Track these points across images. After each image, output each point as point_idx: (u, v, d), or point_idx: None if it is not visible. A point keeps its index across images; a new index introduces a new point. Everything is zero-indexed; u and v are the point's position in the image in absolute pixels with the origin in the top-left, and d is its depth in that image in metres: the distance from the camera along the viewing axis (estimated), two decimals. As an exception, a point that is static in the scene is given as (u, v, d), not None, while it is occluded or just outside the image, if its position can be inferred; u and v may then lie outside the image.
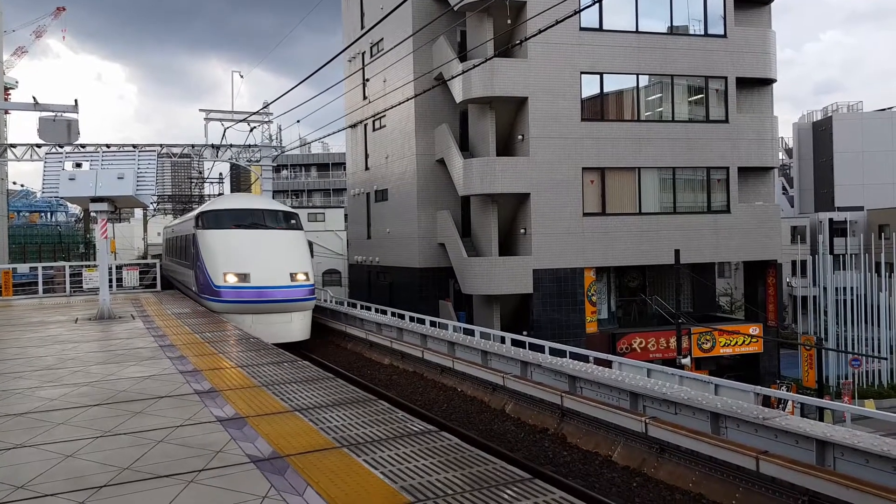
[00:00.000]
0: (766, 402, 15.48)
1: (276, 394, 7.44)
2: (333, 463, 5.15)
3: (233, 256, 17.78)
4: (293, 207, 28.00)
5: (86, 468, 5.17)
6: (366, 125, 30.11)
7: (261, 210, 20.00)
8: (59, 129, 22.13)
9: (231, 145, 29.33)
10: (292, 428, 6.11)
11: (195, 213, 21.32)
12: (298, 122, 61.41)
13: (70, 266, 24.45)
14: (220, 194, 48.85)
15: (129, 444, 5.72)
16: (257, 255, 17.97)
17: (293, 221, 20.02)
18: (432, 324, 18.40)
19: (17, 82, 70.33)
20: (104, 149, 23.33)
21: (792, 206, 59.06)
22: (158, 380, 8.34)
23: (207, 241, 18.58)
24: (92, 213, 17.33)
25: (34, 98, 22.20)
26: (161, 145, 28.28)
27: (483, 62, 19.38)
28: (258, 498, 4.52)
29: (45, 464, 5.27)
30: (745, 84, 25.17)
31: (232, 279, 17.27)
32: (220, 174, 56.55)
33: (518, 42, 20.12)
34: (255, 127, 29.21)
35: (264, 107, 29.62)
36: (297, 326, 17.79)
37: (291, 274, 17.74)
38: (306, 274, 18.13)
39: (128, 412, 6.80)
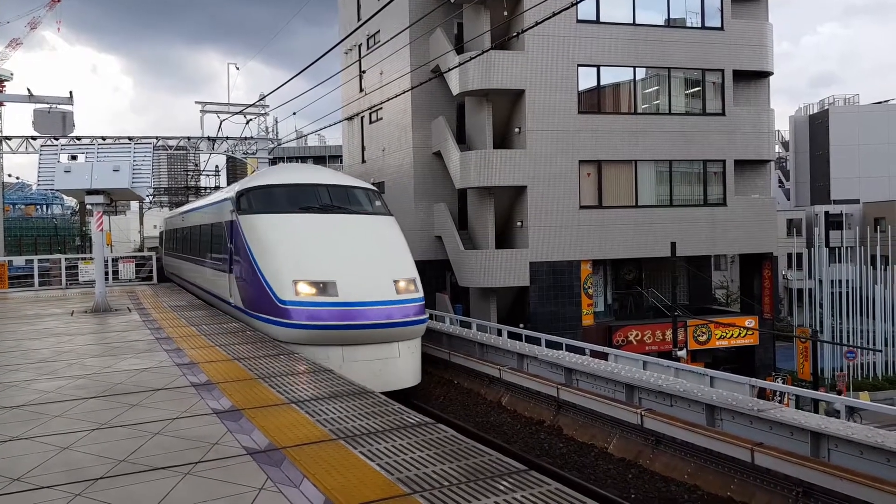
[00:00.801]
0: (762, 394, 15.56)
1: (272, 386, 7.45)
2: (330, 455, 5.16)
3: (306, 256, 12.11)
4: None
5: (82, 460, 5.17)
6: (362, 118, 30.04)
7: (334, 186, 14.20)
8: (54, 122, 21.99)
9: (227, 138, 29.29)
10: (289, 420, 6.12)
11: (231, 190, 15.61)
12: (294, 114, 61.52)
13: (66, 259, 24.39)
14: (216, 187, 48.37)
15: (125, 437, 5.73)
16: (343, 253, 12.26)
17: (378, 203, 14.53)
18: (429, 317, 18.40)
19: (11, 74, 70.05)
20: (100, 141, 23.29)
21: (788, 199, 59.16)
22: (155, 372, 8.34)
23: (260, 232, 12.82)
24: (88, 206, 17.15)
25: (29, 90, 22.08)
26: (157, 138, 28.24)
27: (480, 54, 19.34)
28: (255, 490, 4.53)
29: (41, 456, 5.28)
30: (742, 77, 25.16)
31: (306, 291, 11.54)
32: (217, 167, 56.41)
33: (515, 34, 20.09)
34: (251, 119, 29.17)
35: (260, 99, 29.56)
36: (407, 363, 11.93)
37: (394, 282, 12.04)
38: (414, 282, 12.40)
39: (124, 405, 6.80)
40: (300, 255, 12.15)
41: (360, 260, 12.26)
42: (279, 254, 12.27)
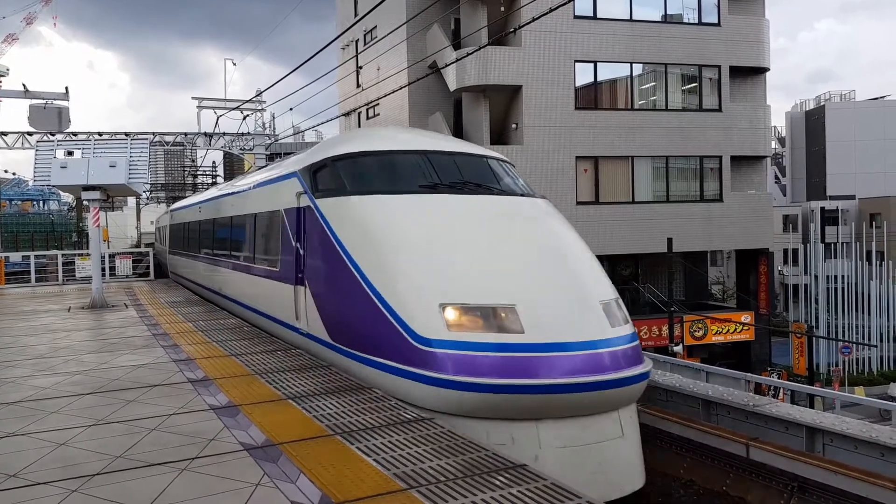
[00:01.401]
0: (758, 389, 15.62)
1: (269, 382, 7.45)
2: (327, 450, 5.17)
3: (453, 263, 7.54)
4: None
5: (79, 456, 5.18)
6: (359, 113, 30.00)
7: (461, 155, 9.61)
8: (50, 117, 21.96)
9: (224, 133, 29.23)
10: (285, 416, 6.13)
11: (291, 164, 10.86)
12: (291, 109, 61.15)
13: (62, 255, 24.34)
14: (214, 183, 48.07)
15: (121, 433, 5.73)
16: (508, 258, 7.63)
17: (522, 182, 9.82)
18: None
19: (7, 70, 69.76)
20: (96, 137, 23.21)
21: (784, 195, 59.27)
22: (151, 368, 8.34)
23: (365, 224, 8.27)
24: (84, 202, 17.07)
25: (24, 86, 22.05)
26: (153, 133, 28.17)
27: (477, 50, 19.30)
28: (251, 485, 4.54)
29: (37, 452, 5.28)
30: (739, 73, 25.19)
31: (465, 323, 6.96)
32: (214, 162, 56.34)
33: (512, 30, 20.05)
34: (248, 115, 29.10)
35: (257, 95, 29.51)
36: (632, 447, 7.12)
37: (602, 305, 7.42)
38: (620, 305, 7.80)
39: (121, 401, 6.80)
40: (444, 262, 7.46)
41: (538, 269, 7.51)
42: (406, 258, 7.61)
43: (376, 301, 7.51)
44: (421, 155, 9.22)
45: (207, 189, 29.09)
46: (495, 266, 7.44)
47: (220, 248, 15.59)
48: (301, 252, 9.49)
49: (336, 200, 8.79)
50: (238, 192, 14.59)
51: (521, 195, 9.23)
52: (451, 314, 6.93)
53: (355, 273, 7.93)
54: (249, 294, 12.63)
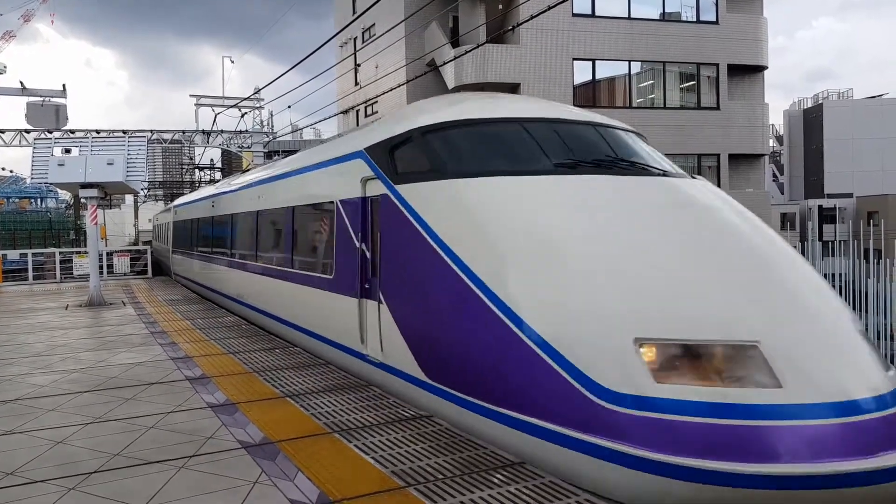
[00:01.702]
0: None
1: (267, 380, 7.45)
2: (325, 448, 5.18)
3: (641, 276, 4.83)
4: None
5: (76, 454, 5.18)
6: (358, 111, 29.99)
7: (593, 125, 7.08)
8: (48, 115, 21.94)
9: (222, 131, 29.22)
10: (283, 414, 6.13)
11: (355, 139, 8.28)
12: (290, 107, 60.79)
13: (60, 252, 24.30)
14: (211, 181, 48.00)
15: (119, 431, 5.73)
16: (720, 271, 4.93)
17: (668, 165, 6.94)
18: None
19: (5, 67, 69.62)
20: (94, 134, 23.21)
21: (782, 193, 59.30)
22: (149, 366, 8.34)
23: (487, 219, 5.68)
24: (82, 200, 17.04)
25: (21, 83, 22.02)
26: (151, 131, 28.14)
27: (475, 48, 19.31)
28: (249, 483, 4.54)
29: (35, 450, 5.28)
30: (737, 71, 25.24)
31: (674, 367, 4.37)
32: (212, 160, 56.24)
33: (510, 28, 20.07)
34: (246, 112, 29.09)
35: (255, 92, 29.49)
36: None
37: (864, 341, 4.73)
38: (866, 334, 4.90)
39: (118, 398, 6.80)
40: (626, 274, 4.97)
41: (765, 284, 4.99)
42: (567, 268, 5.16)
43: (517, 331, 5.02)
44: (541, 124, 6.76)
45: (205, 187, 29.04)
46: (704, 280, 4.87)
47: (238, 248, 13.47)
48: (368, 256, 7.35)
49: (432, 186, 6.32)
50: (267, 182, 12.06)
51: (691, 178, 6.74)
52: (655, 355, 4.48)
53: (474, 288, 5.44)
54: (284, 306, 10.37)
